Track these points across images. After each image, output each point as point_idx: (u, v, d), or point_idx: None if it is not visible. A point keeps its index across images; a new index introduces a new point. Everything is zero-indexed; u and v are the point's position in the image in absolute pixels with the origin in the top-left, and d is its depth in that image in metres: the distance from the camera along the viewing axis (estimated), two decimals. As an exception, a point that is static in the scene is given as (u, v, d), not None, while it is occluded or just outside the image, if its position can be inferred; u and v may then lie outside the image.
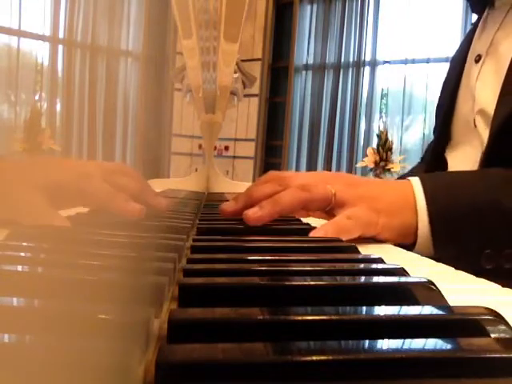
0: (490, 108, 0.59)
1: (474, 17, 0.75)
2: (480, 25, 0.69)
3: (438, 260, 0.33)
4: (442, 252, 0.43)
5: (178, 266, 0.25)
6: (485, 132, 0.60)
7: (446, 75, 0.80)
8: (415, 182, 0.46)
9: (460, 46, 0.77)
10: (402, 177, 0.88)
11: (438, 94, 0.84)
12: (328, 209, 0.44)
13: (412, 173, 0.88)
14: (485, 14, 0.69)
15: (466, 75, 0.69)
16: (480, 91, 0.63)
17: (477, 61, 0.66)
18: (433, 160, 0.76)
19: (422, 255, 0.37)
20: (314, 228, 0.44)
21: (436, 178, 0.47)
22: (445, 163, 0.73)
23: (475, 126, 0.64)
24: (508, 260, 0.42)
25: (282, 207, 0.42)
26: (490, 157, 0.58)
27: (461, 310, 0.17)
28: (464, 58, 0.70)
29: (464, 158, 0.67)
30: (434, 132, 0.83)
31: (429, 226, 0.43)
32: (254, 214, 0.41)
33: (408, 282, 0.22)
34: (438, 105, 0.81)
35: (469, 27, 3.26)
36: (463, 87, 0.70)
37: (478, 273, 0.28)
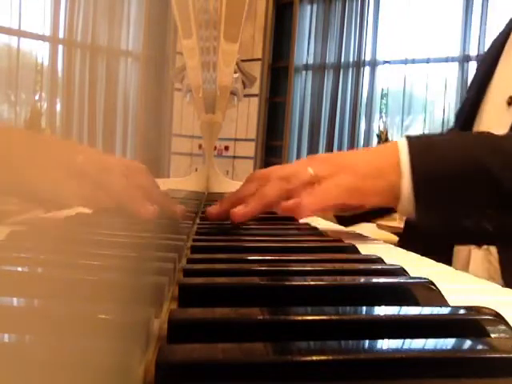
0: None
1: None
2: None
3: (437, 261, 0.33)
4: (423, 213, 0.42)
5: (177, 265, 0.25)
6: None
7: (482, 58, 0.81)
8: (401, 143, 0.45)
9: (506, 26, 0.77)
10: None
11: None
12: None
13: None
14: None
15: (506, 54, 0.70)
16: None
17: None
18: None
19: (403, 216, 0.35)
20: (314, 228, 0.44)
21: (423, 140, 0.46)
22: None
23: (509, 104, 0.64)
24: (489, 220, 0.41)
25: (266, 200, 0.42)
26: None
27: (461, 310, 0.17)
28: (505, 39, 0.71)
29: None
30: (456, 115, 0.83)
31: (411, 186, 0.42)
32: (239, 211, 0.41)
33: (408, 282, 0.22)
34: (471, 83, 0.81)
35: (469, 27, 3.20)
36: (501, 67, 0.70)
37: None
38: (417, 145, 0.44)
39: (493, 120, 0.68)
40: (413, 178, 0.42)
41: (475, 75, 0.81)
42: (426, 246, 0.43)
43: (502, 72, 0.71)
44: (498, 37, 0.76)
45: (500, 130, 0.65)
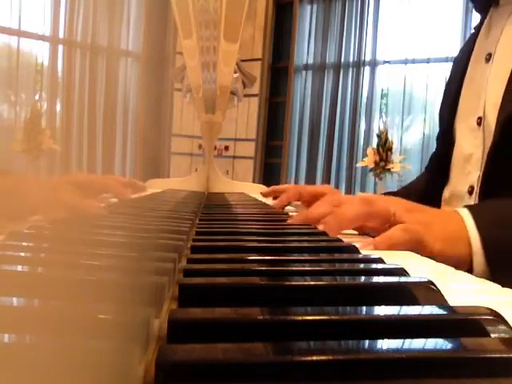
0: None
1: (475, 17, 0.77)
2: (485, 24, 0.70)
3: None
4: (501, 278, 0.43)
5: (178, 266, 0.25)
6: (493, 127, 0.61)
7: (448, 79, 0.80)
8: (464, 213, 0.45)
9: (462, 48, 0.77)
10: (406, 187, 0.87)
11: (438, 94, 0.85)
12: (386, 227, 0.44)
13: (414, 183, 0.87)
14: (489, 13, 0.69)
15: (470, 76, 0.70)
16: (491, 88, 0.64)
17: (487, 60, 0.66)
18: (436, 166, 0.76)
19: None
20: (314, 228, 0.44)
21: (485, 208, 0.47)
22: (448, 169, 0.73)
23: (479, 124, 0.64)
24: None
25: (346, 220, 0.43)
26: (496, 150, 0.58)
27: (461, 310, 0.17)
28: (467, 60, 0.71)
29: (466, 159, 0.67)
30: (436, 139, 0.83)
31: (483, 256, 0.42)
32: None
33: (408, 282, 0.22)
34: (440, 108, 0.81)
35: (469, 27, 3.20)
36: (466, 88, 0.70)
37: None
38: (481, 217, 0.44)
39: (466, 140, 0.68)
40: (484, 250, 0.42)
41: (446, 90, 0.79)
42: None
43: (468, 91, 0.70)
44: (469, 39, 0.75)
45: (473, 150, 0.65)
